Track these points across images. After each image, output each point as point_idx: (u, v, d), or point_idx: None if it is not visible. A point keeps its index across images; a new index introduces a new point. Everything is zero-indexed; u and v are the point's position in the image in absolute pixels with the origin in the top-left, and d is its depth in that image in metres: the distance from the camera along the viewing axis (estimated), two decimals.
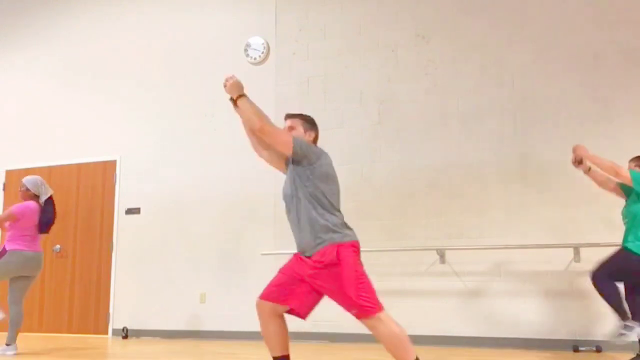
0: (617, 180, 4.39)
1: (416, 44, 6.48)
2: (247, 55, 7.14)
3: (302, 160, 3.04)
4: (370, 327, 2.97)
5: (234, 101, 3.15)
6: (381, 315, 2.93)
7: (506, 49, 6.15)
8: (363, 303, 2.92)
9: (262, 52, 7.08)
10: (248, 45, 7.15)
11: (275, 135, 3.03)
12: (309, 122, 3.27)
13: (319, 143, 3.35)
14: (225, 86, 3.14)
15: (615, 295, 4.23)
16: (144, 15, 7.80)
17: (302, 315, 3.14)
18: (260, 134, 3.06)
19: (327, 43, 6.84)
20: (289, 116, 3.31)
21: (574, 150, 4.52)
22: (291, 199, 3.10)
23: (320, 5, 6.94)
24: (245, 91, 3.14)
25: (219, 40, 7.36)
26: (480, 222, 5.94)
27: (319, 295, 3.11)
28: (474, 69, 6.23)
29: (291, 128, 3.22)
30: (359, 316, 2.96)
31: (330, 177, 3.11)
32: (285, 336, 3.14)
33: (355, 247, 3.05)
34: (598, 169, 4.50)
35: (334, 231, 3.01)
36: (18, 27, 8.48)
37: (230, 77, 3.13)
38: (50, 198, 5.46)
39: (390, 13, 6.63)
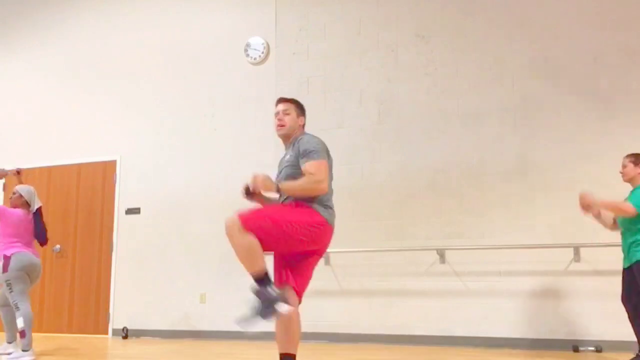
0: (624, 215, 4.32)
1: (416, 44, 6.48)
2: (247, 55, 7.14)
3: (303, 157, 3.18)
4: (229, 233, 2.90)
5: (248, 193, 3.20)
6: (243, 227, 2.87)
7: (506, 49, 6.15)
8: (248, 214, 2.90)
9: (262, 52, 7.08)
10: (248, 45, 7.15)
11: (323, 176, 3.09)
12: (301, 108, 3.42)
13: None
14: (255, 185, 3.14)
15: None
16: (144, 16, 7.80)
17: (297, 289, 3.14)
18: (321, 191, 3.10)
19: (327, 43, 6.84)
20: (282, 100, 3.41)
21: (580, 199, 4.40)
22: (285, 177, 3.22)
23: (320, 5, 6.94)
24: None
25: (219, 40, 7.36)
26: (480, 222, 5.95)
27: (301, 258, 3.16)
28: (474, 69, 6.23)
29: (285, 112, 3.34)
30: (237, 217, 2.89)
31: (330, 162, 3.25)
32: (296, 334, 3.16)
33: (320, 223, 3.06)
34: (606, 212, 4.50)
35: (316, 202, 3.12)
36: (18, 27, 8.48)
37: (257, 176, 3.13)
38: (38, 210, 5.42)
39: (390, 13, 6.63)
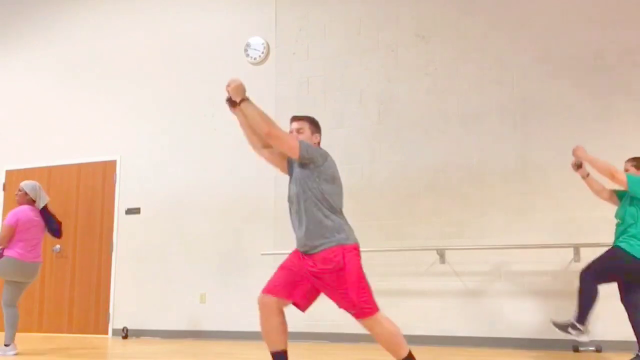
0: (613, 182, 4.36)
1: (416, 44, 6.48)
2: (247, 55, 7.14)
3: (308, 163, 3.10)
4: (367, 327, 3.05)
5: (233, 103, 3.14)
6: (377, 316, 3.02)
7: (506, 49, 6.15)
8: (363, 305, 2.99)
9: (262, 52, 7.08)
10: (248, 45, 7.15)
11: (283, 139, 3.05)
12: (315, 125, 3.33)
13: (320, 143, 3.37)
14: (228, 88, 3.13)
15: (590, 299, 4.27)
16: (144, 16, 7.80)
17: (303, 308, 3.18)
18: (267, 138, 3.07)
19: (327, 43, 6.84)
20: (295, 118, 3.34)
21: (574, 151, 4.53)
22: (297, 200, 3.14)
23: (320, 5, 6.94)
24: (248, 94, 3.13)
25: (219, 40, 7.36)
26: (480, 222, 5.94)
27: (319, 292, 3.16)
28: (474, 69, 6.23)
29: (299, 130, 3.25)
30: (357, 316, 3.03)
31: (335, 179, 3.18)
32: (285, 332, 3.16)
33: (357, 249, 3.11)
34: (595, 177, 4.54)
35: (339, 232, 3.07)
36: (18, 27, 8.48)
37: (234, 80, 3.13)
38: (46, 206, 5.43)
39: (390, 13, 6.63)
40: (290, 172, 3.28)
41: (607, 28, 5.85)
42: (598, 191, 4.67)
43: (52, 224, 5.39)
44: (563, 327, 4.30)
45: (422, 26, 6.48)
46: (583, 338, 4.26)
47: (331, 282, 3.02)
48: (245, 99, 3.09)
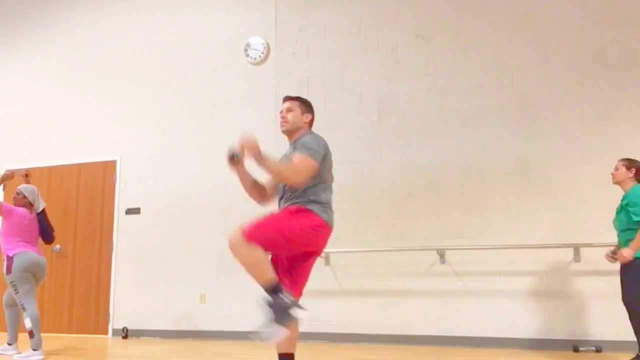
0: None
1: (416, 44, 6.48)
2: (247, 55, 7.14)
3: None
4: (233, 247, 2.93)
5: (234, 160, 3.12)
6: (246, 237, 2.88)
7: (506, 49, 6.15)
8: (250, 227, 2.90)
9: (262, 52, 7.08)
10: (248, 45, 7.14)
11: (305, 173, 3.04)
12: (306, 104, 3.38)
13: None
14: (244, 146, 3.03)
15: None
16: (144, 15, 7.80)
17: (296, 292, 3.12)
18: (294, 181, 3.05)
19: (327, 43, 6.84)
20: (287, 98, 3.38)
21: (620, 261, 4.31)
22: (283, 190, 3.20)
23: (320, 5, 6.94)
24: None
25: (219, 40, 7.36)
26: (480, 222, 5.95)
27: (300, 258, 3.14)
28: (474, 69, 6.23)
29: (288, 109, 3.31)
30: (240, 231, 2.90)
31: (328, 162, 3.22)
32: (295, 334, 3.15)
33: (320, 225, 3.05)
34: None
35: (315, 202, 3.09)
36: (18, 27, 8.48)
37: (250, 141, 3.00)
38: (43, 211, 5.41)
39: (390, 13, 6.63)
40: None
41: (607, 28, 5.85)
42: None
43: (46, 229, 5.37)
44: None
45: (422, 26, 6.48)
46: None
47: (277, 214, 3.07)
48: (262, 157, 2.98)
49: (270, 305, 2.84)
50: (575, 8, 5.99)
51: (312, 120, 3.39)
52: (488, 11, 6.27)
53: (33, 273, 5.09)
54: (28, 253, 5.09)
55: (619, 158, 4.58)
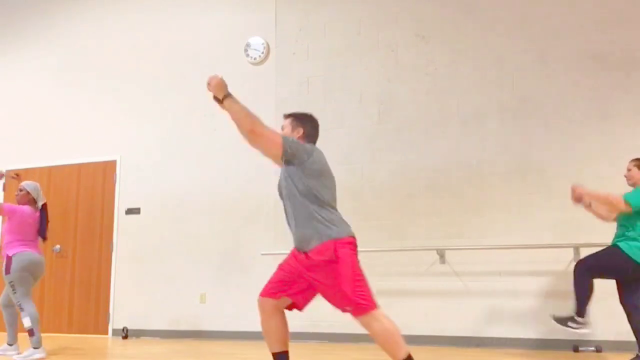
0: (614, 211, 4.41)
1: (416, 44, 6.48)
2: (247, 55, 7.14)
3: (292, 160, 3.06)
4: (364, 325, 2.99)
5: (219, 101, 3.09)
6: (375, 312, 2.95)
7: (506, 49, 6.15)
8: (359, 301, 2.93)
9: (262, 52, 7.08)
10: (248, 45, 7.15)
11: (265, 136, 3.01)
12: (298, 119, 3.29)
13: (319, 143, 3.34)
14: (208, 86, 3.07)
15: (585, 290, 4.33)
16: (144, 16, 7.80)
17: (301, 307, 3.17)
18: (250, 135, 3.02)
19: (327, 43, 6.84)
20: (284, 117, 3.37)
21: (573, 190, 4.54)
22: (287, 196, 3.13)
23: (320, 5, 6.94)
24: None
25: (219, 40, 7.36)
26: (480, 222, 5.94)
27: (316, 290, 3.13)
28: (474, 69, 6.23)
29: (282, 128, 3.28)
30: (354, 313, 2.98)
31: (323, 174, 3.12)
32: (286, 333, 3.16)
33: (351, 243, 3.05)
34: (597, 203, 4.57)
35: (330, 227, 3.02)
36: (18, 27, 8.48)
37: (214, 77, 3.07)
38: (43, 206, 5.43)
39: (390, 13, 6.63)
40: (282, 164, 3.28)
41: (607, 28, 5.85)
42: (604, 217, 4.68)
43: (44, 226, 5.37)
44: (563, 321, 4.33)
45: (422, 26, 6.48)
46: (584, 330, 4.28)
47: (325, 276, 2.97)
48: (227, 96, 3.04)
49: None
50: (575, 8, 5.99)
51: (306, 132, 3.25)
52: (488, 11, 6.27)
53: (31, 273, 5.09)
54: (26, 253, 5.08)
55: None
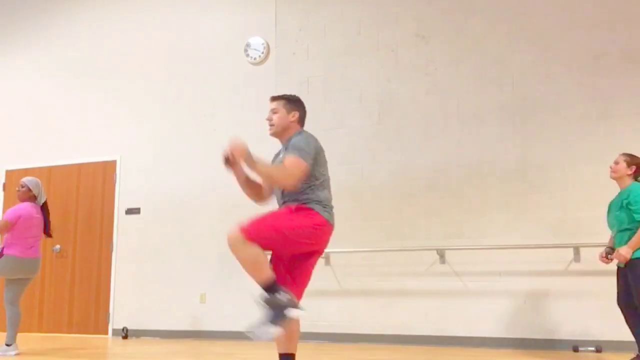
0: None
1: (416, 44, 6.48)
2: (247, 55, 7.14)
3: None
4: (233, 247, 2.94)
5: (229, 163, 3.08)
6: (249, 241, 2.88)
7: (506, 49, 6.15)
8: (249, 225, 2.90)
9: (262, 52, 7.08)
10: (248, 45, 7.15)
11: (296, 175, 2.99)
12: (291, 102, 3.28)
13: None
14: (232, 152, 2.97)
15: None
16: (144, 16, 7.80)
17: (296, 290, 3.09)
18: (284, 184, 3.02)
19: (327, 43, 6.84)
20: (271, 99, 3.31)
21: (620, 258, 4.21)
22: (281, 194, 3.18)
23: (320, 5, 6.94)
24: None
25: (219, 40, 7.36)
26: (480, 222, 5.94)
27: (302, 258, 3.11)
28: (474, 69, 6.23)
29: (274, 111, 3.24)
30: (234, 230, 2.91)
31: (324, 161, 3.18)
32: (294, 336, 3.14)
33: (321, 224, 3.03)
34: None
35: (316, 202, 3.06)
36: (18, 26, 8.48)
37: (238, 145, 2.95)
38: (44, 204, 5.43)
39: (390, 13, 6.63)
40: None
41: (607, 28, 5.85)
42: None
43: (47, 224, 5.40)
44: None
45: (422, 26, 6.48)
46: None
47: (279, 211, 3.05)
48: (253, 162, 2.96)
49: (266, 303, 2.84)
50: (575, 8, 5.99)
51: (301, 116, 3.28)
52: (488, 11, 6.27)
53: (14, 276, 5.17)
54: (17, 259, 5.14)
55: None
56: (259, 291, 2.91)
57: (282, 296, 2.84)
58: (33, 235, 5.27)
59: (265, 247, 2.89)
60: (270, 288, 2.85)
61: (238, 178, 3.24)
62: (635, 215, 4.14)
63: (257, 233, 2.86)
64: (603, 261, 4.43)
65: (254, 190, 3.33)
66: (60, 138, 7.91)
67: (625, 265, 4.22)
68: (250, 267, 2.88)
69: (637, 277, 4.13)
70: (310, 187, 3.07)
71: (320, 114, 6.56)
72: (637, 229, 4.14)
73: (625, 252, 4.14)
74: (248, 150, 2.95)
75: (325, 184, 3.16)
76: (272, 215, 3.01)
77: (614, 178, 4.39)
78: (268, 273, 2.87)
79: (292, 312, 2.82)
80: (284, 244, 2.95)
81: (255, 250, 2.85)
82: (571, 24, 5.97)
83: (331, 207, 3.16)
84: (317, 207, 3.05)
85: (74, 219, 7.67)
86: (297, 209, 3.03)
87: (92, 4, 8.10)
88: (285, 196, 3.14)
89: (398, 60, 6.53)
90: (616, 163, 4.37)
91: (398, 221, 6.22)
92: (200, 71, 7.38)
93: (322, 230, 3.05)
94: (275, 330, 2.80)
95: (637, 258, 4.13)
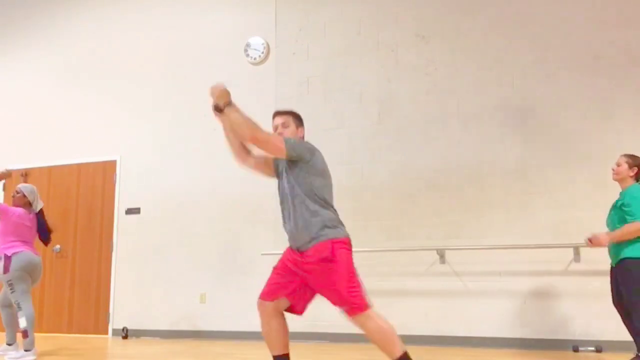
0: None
1: (416, 44, 6.48)
2: (247, 55, 7.14)
3: (297, 160, 3.08)
4: (359, 324, 3.01)
5: (219, 109, 3.08)
6: (369, 312, 2.98)
7: (506, 49, 6.15)
8: (353, 300, 2.96)
9: (262, 52, 7.08)
10: (248, 45, 7.15)
11: (268, 142, 3.02)
12: (299, 119, 3.32)
13: (319, 143, 3.36)
14: (212, 93, 3.07)
15: None
16: (144, 16, 7.81)
17: (299, 310, 3.17)
18: (252, 143, 3.04)
19: (327, 43, 6.84)
20: (279, 113, 3.32)
21: (593, 243, 4.28)
22: (288, 198, 3.13)
23: (320, 5, 6.94)
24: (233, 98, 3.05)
25: (219, 40, 7.36)
26: (480, 222, 5.94)
27: (314, 291, 3.14)
28: (474, 69, 6.23)
29: (284, 124, 3.24)
30: (349, 313, 2.99)
31: (324, 173, 3.16)
32: (286, 335, 3.17)
33: (347, 244, 3.08)
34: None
35: (328, 227, 3.05)
36: (18, 26, 8.48)
37: (218, 85, 3.09)
38: (40, 211, 5.42)
39: (390, 13, 6.63)
40: (278, 173, 3.28)
41: (607, 28, 5.85)
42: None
43: (43, 230, 5.37)
44: None
45: (422, 26, 6.48)
46: None
47: (321, 276, 3.00)
48: (229, 103, 3.04)
49: None
50: (575, 8, 5.99)
51: (304, 132, 3.35)
52: (488, 11, 6.27)
53: (30, 273, 5.10)
54: (25, 253, 5.09)
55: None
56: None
57: None
58: (27, 236, 5.22)
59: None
60: None
61: (224, 126, 3.21)
62: (628, 218, 4.13)
63: (359, 297, 2.97)
64: (588, 244, 4.40)
65: (241, 148, 3.26)
66: (60, 138, 7.91)
67: (616, 266, 4.24)
68: (380, 341, 3.01)
69: (625, 277, 4.16)
70: (321, 211, 3.07)
71: (320, 114, 6.56)
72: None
73: (603, 238, 4.21)
74: (228, 92, 3.01)
75: (330, 200, 3.17)
76: (338, 277, 2.99)
77: (616, 180, 4.41)
78: (400, 347, 2.99)
79: None
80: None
81: (382, 322, 2.99)
82: (571, 24, 5.97)
83: (340, 222, 3.16)
84: (331, 233, 3.05)
85: (74, 219, 7.68)
86: (332, 254, 3.00)
87: (92, 4, 8.10)
88: (293, 222, 3.09)
89: (398, 60, 6.53)
90: (618, 165, 4.37)
91: (398, 221, 6.22)
92: (200, 71, 7.38)
93: (350, 247, 3.12)
94: None
95: (626, 258, 4.14)
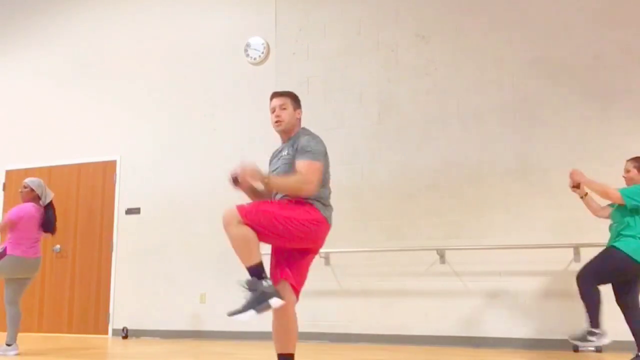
0: (608, 201, 4.41)
1: (416, 44, 6.48)
2: (247, 55, 7.14)
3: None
4: (226, 226, 2.88)
5: (236, 181, 3.11)
6: (243, 222, 2.84)
7: (506, 49, 6.15)
8: (248, 207, 2.88)
9: (262, 52, 7.08)
10: (248, 45, 7.15)
11: (314, 179, 2.99)
12: (297, 100, 3.32)
13: None
14: (243, 174, 3.01)
15: (593, 301, 4.22)
16: (144, 16, 7.81)
17: (295, 286, 3.08)
18: (307, 192, 3.00)
19: (327, 43, 6.84)
20: (277, 94, 3.30)
21: (571, 175, 4.54)
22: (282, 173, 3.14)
23: (320, 5, 6.94)
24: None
25: (219, 40, 7.36)
26: (480, 222, 5.94)
27: (298, 256, 3.11)
28: (474, 69, 6.23)
29: (282, 106, 3.23)
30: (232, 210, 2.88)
31: (328, 162, 3.19)
32: (291, 334, 3.11)
33: (319, 220, 3.01)
34: (593, 197, 4.57)
35: (315, 198, 3.05)
36: (18, 27, 8.48)
37: (247, 166, 2.99)
38: (51, 202, 5.43)
39: (390, 13, 6.63)
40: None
41: (607, 28, 5.85)
42: (596, 210, 4.69)
43: (52, 221, 5.39)
44: (582, 339, 4.24)
45: (422, 26, 6.48)
46: (604, 341, 4.22)
47: (277, 203, 3.04)
48: (267, 181, 2.99)
49: (249, 287, 2.84)
50: (575, 8, 5.99)
51: (301, 115, 3.32)
52: (488, 11, 6.27)
53: (15, 276, 5.18)
54: (20, 259, 5.15)
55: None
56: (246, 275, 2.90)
57: (267, 283, 2.84)
58: (34, 236, 5.28)
59: (259, 233, 2.86)
60: (256, 272, 2.85)
61: (247, 193, 3.29)
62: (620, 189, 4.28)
63: (254, 215, 2.84)
64: (573, 190, 4.64)
65: (260, 197, 3.31)
66: (60, 138, 7.91)
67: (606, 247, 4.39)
68: (240, 245, 2.86)
69: (604, 257, 4.33)
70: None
71: (320, 114, 6.56)
72: (624, 223, 4.27)
73: (580, 176, 4.46)
74: (259, 171, 2.96)
75: (327, 183, 3.17)
76: (271, 203, 3.01)
77: (628, 185, 4.46)
78: (257, 257, 2.86)
79: (275, 302, 2.80)
80: (279, 234, 2.91)
81: (248, 230, 2.83)
82: (570, 24, 5.97)
83: (331, 207, 3.16)
84: (317, 204, 3.05)
85: (74, 219, 7.67)
86: (297, 202, 3.01)
87: (92, 4, 8.10)
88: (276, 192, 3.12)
89: (398, 60, 6.53)
90: (627, 171, 4.47)
91: (398, 221, 6.22)
92: (200, 71, 7.38)
93: (319, 228, 3.03)
94: (254, 315, 2.78)
95: (616, 247, 4.27)
